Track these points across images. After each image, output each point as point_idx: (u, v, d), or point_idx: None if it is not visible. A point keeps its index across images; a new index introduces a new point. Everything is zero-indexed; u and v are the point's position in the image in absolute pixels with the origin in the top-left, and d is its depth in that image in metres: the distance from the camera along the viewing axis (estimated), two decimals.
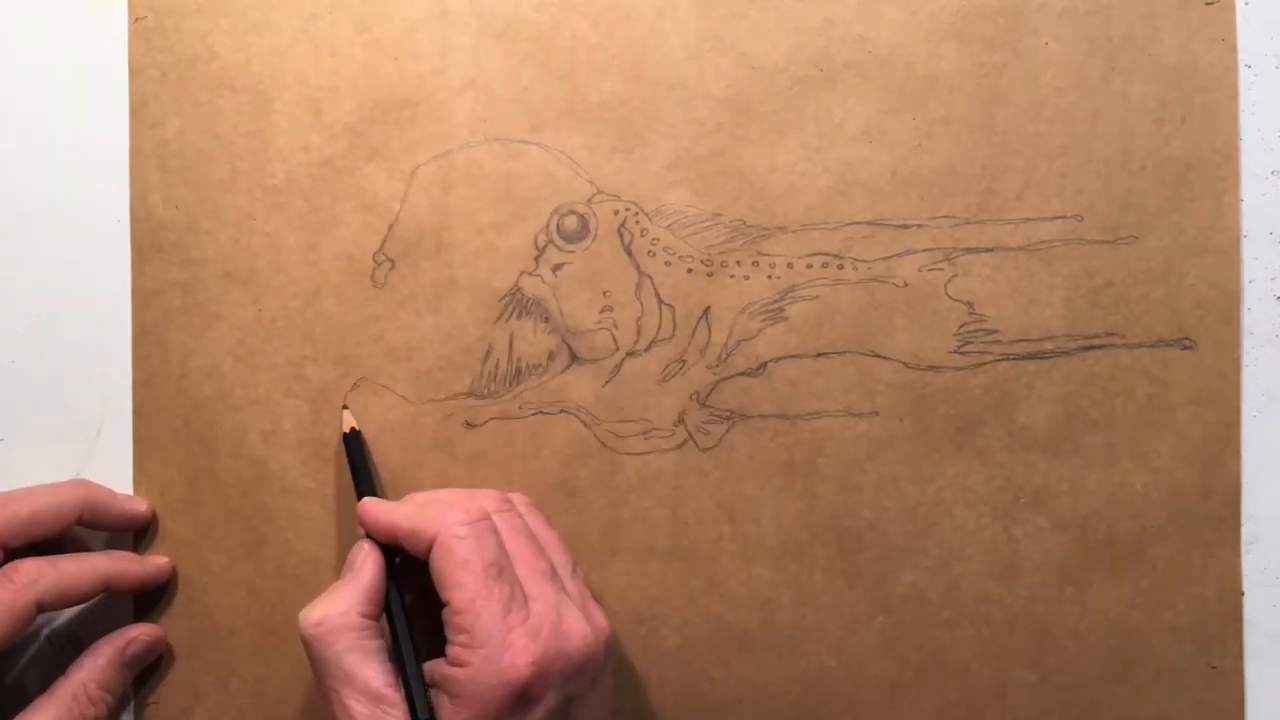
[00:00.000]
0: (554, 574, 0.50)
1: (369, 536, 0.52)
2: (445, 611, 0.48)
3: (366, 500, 0.52)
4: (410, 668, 0.49)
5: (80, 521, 0.53)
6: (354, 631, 0.49)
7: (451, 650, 0.47)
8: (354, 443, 0.54)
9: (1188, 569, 0.55)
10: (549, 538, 0.52)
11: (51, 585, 0.51)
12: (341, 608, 0.49)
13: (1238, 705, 0.55)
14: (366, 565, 0.51)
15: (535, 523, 0.53)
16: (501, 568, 0.48)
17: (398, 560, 0.52)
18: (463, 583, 0.47)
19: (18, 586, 0.50)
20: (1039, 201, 0.55)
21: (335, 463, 0.56)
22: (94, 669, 0.53)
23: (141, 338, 0.56)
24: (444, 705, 0.47)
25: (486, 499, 0.51)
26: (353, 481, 0.54)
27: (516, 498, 0.53)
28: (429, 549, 0.49)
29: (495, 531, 0.49)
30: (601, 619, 0.50)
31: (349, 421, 0.55)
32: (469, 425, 0.55)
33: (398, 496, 0.55)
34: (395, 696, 0.48)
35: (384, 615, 0.51)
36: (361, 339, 0.56)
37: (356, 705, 0.47)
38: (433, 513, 0.50)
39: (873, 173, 0.55)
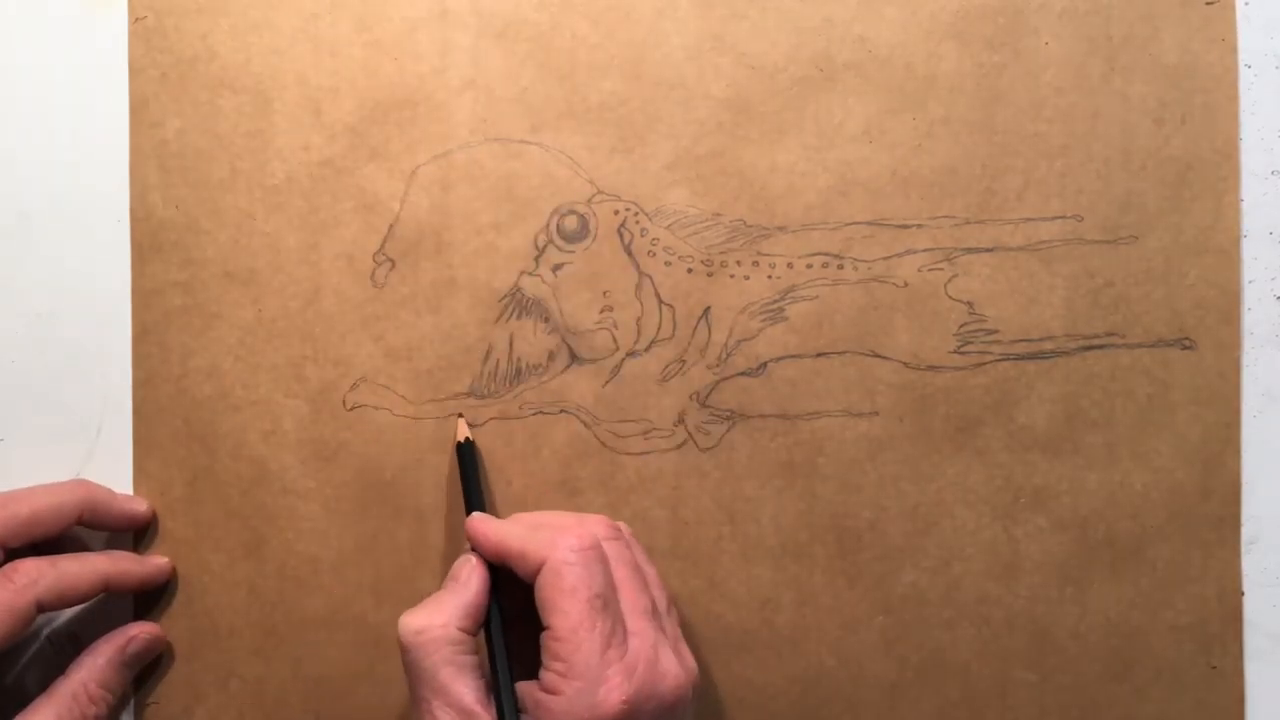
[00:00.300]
0: (654, 611, 0.50)
1: (474, 551, 0.52)
2: (544, 636, 0.48)
3: (476, 515, 0.52)
4: (505, 689, 0.49)
5: (80, 521, 0.53)
6: (452, 645, 0.48)
7: (546, 676, 0.47)
8: (467, 453, 0.54)
9: (1188, 569, 0.55)
10: (650, 572, 0.52)
11: (52, 585, 0.51)
12: (443, 620, 0.49)
13: (1238, 705, 0.55)
14: (472, 580, 0.51)
15: (639, 555, 0.52)
16: (607, 600, 0.48)
17: (498, 576, 0.52)
18: (568, 610, 0.47)
19: (18, 586, 0.50)
20: (1039, 201, 0.55)
21: (336, 463, 0.56)
22: (94, 668, 0.53)
23: (141, 338, 0.56)
24: None
25: (597, 525, 0.51)
26: (463, 493, 0.54)
27: (623, 527, 0.53)
28: (537, 571, 0.49)
29: (604, 561, 0.49)
30: (691, 661, 0.50)
31: (463, 431, 0.55)
32: (469, 425, 0.55)
33: (398, 497, 0.55)
34: (485, 715, 0.47)
35: (482, 631, 0.50)
36: (361, 339, 0.56)
37: (446, 718, 0.47)
38: (544, 536, 0.49)
39: (873, 173, 0.55)
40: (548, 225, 0.55)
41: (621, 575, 0.50)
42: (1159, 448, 0.55)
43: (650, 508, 0.56)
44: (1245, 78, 0.55)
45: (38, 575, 0.50)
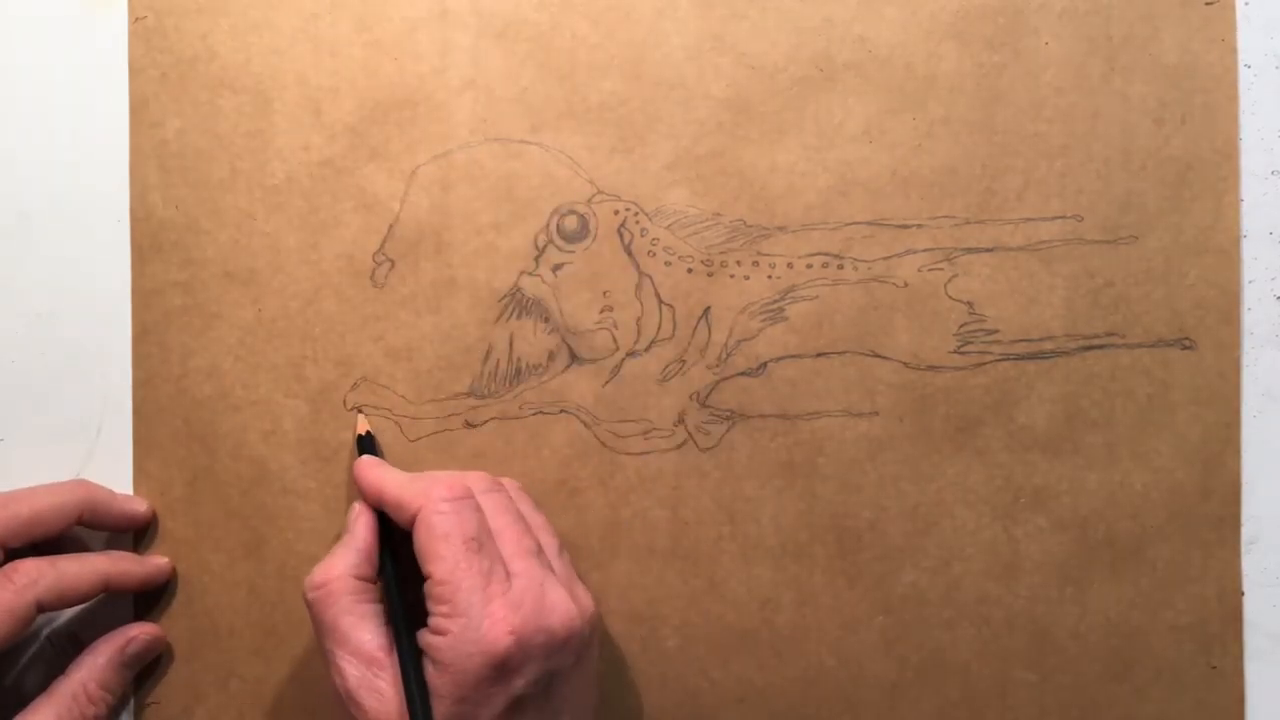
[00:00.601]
0: (539, 552, 0.50)
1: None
2: (426, 584, 0.48)
3: (365, 458, 0.53)
4: (400, 626, 0.49)
5: (80, 521, 0.53)
6: (350, 595, 0.49)
7: (433, 620, 0.48)
8: (367, 445, 0.55)
9: (1188, 569, 0.55)
10: (537, 520, 0.53)
11: (51, 585, 0.51)
12: (338, 571, 0.50)
13: (1238, 705, 0.55)
14: (359, 526, 0.52)
15: (524, 506, 0.53)
16: (482, 543, 0.49)
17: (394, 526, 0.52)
18: (442, 555, 0.48)
19: (17, 587, 0.50)
20: (1039, 201, 0.55)
21: (336, 463, 0.56)
22: (94, 668, 0.53)
23: (141, 338, 0.56)
24: (428, 672, 0.47)
25: (474, 479, 0.52)
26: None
27: (507, 482, 0.54)
28: (412, 522, 0.49)
29: (478, 509, 0.50)
30: (587, 599, 0.50)
31: (363, 426, 0.55)
32: (469, 425, 0.55)
33: None
34: (386, 660, 0.48)
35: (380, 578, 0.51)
36: (361, 339, 0.56)
37: (349, 667, 0.48)
38: (418, 486, 0.50)
39: (873, 173, 0.55)
40: (548, 225, 0.55)
41: (501, 523, 0.50)
42: (1159, 448, 0.55)
43: (650, 508, 0.56)
44: (1245, 78, 0.55)
45: (37, 575, 0.50)
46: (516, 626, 0.47)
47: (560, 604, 0.48)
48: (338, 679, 0.48)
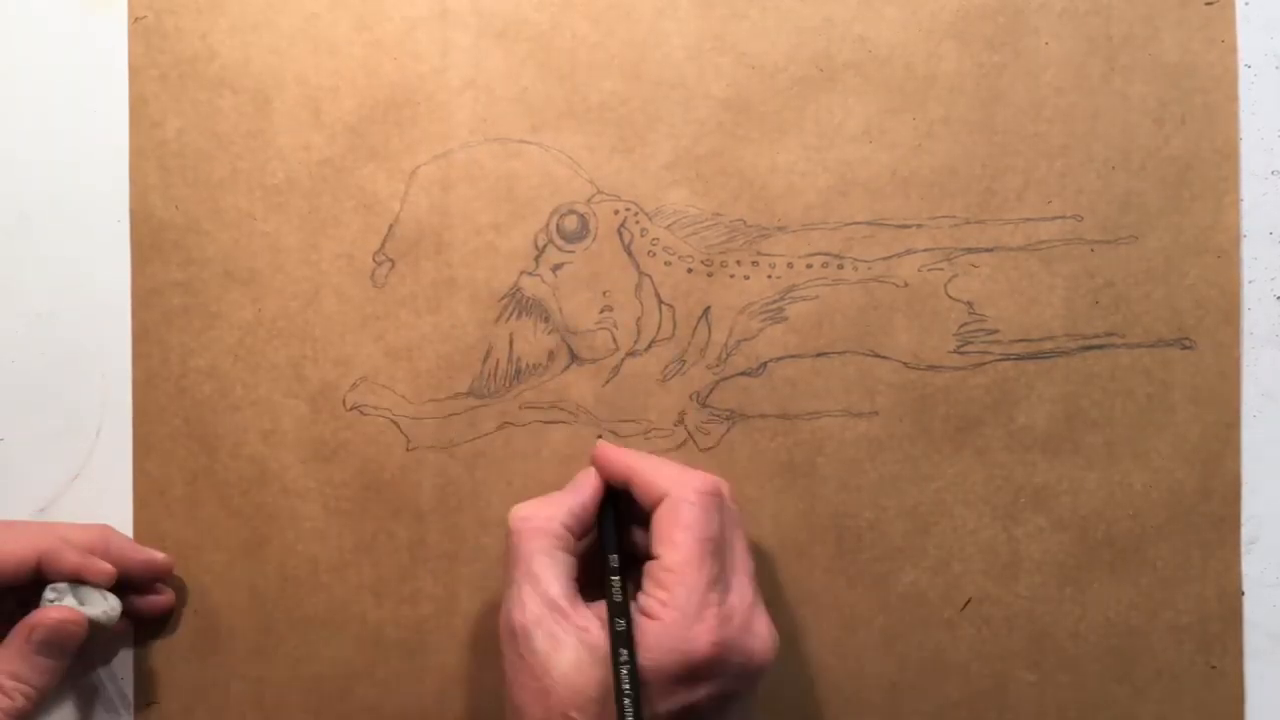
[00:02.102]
0: (754, 575, 0.51)
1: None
2: (651, 565, 0.49)
3: (603, 442, 0.53)
4: (625, 596, 0.49)
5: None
6: (552, 537, 0.50)
7: (646, 601, 0.48)
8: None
9: (1188, 569, 0.55)
10: (746, 543, 0.53)
11: None
12: (549, 513, 0.50)
13: (1238, 705, 0.55)
14: (586, 486, 0.52)
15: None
16: (719, 546, 0.49)
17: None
18: (680, 544, 0.48)
19: None
20: (1039, 201, 0.55)
21: (335, 463, 0.56)
22: (1, 660, 0.51)
23: (141, 337, 0.56)
24: (634, 648, 0.47)
25: (722, 483, 0.51)
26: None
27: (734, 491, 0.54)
28: (657, 503, 0.50)
29: (723, 512, 0.50)
30: (774, 631, 0.50)
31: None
32: (469, 425, 0.55)
33: (398, 497, 0.55)
34: (568, 609, 0.48)
35: (585, 540, 0.52)
36: (361, 339, 0.56)
37: (531, 603, 0.48)
38: (670, 471, 0.51)
39: (873, 173, 0.55)
40: (548, 225, 0.55)
41: (733, 535, 0.50)
42: (1159, 448, 0.55)
43: None
44: (1245, 78, 0.55)
45: None
46: (723, 640, 0.47)
47: (764, 631, 0.49)
48: (517, 612, 0.48)
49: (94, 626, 0.52)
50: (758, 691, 0.50)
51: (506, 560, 0.50)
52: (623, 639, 0.47)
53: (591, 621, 0.48)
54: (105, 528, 0.54)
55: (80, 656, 0.53)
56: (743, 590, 0.49)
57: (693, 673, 0.47)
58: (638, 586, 0.49)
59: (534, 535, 0.50)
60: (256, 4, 0.56)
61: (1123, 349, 0.55)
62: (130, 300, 0.56)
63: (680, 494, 0.49)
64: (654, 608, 0.47)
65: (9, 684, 0.51)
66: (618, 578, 0.49)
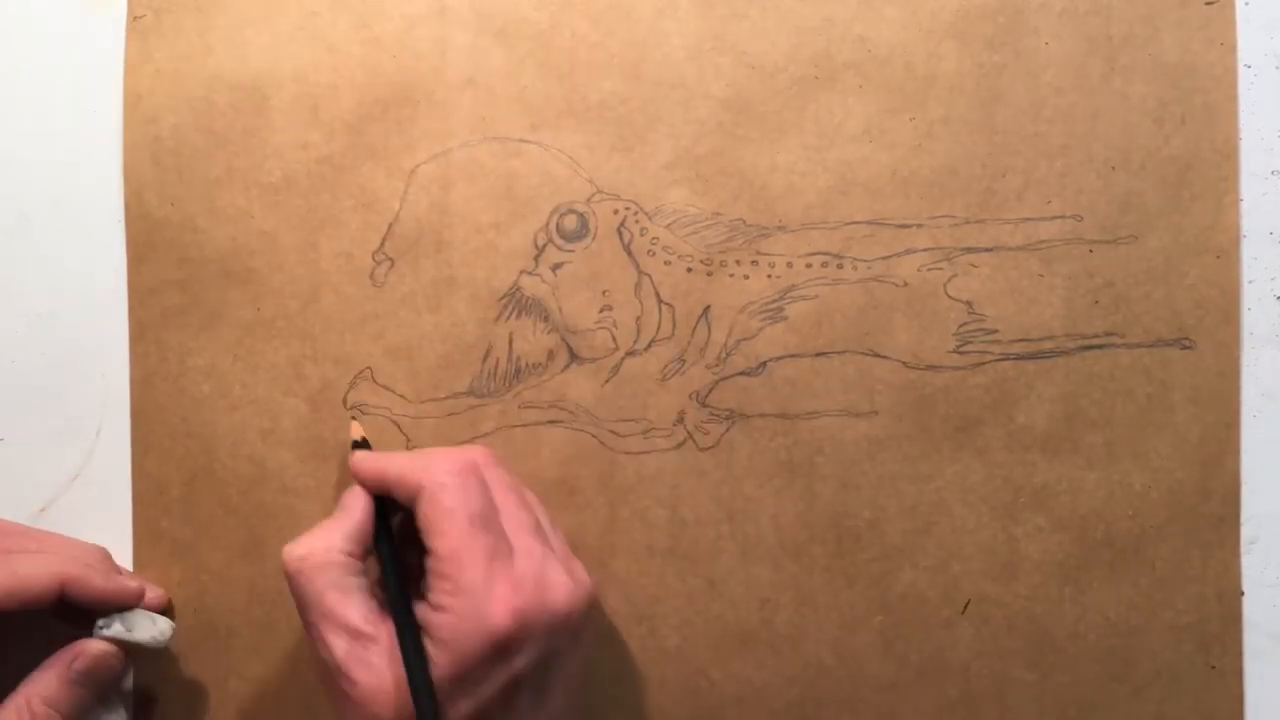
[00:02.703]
0: (539, 529, 0.50)
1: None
2: (428, 559, 0.48)
3: (359, 453, 0.52)
4: (395, 599, 0.49)
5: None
6: (336, 569, 0.49)
7: (433, 596, 0.47)
8: (362, 449, 0.54)
9: (1188, 569, 0.55)
10: (530, 496, 0.53)
11: (1, 583, 0.50)
12: (325, 544, 0.49)
13: (1238, 705, 0.55)
14: (356, 506, 0.51)
15: (517, 480, 0.53)
16: (487, 519, 0.48)
17: (396, 518, 0.52)
18: (447, 531, 0.48)
19: None
20: (1039, 201, 0.55)
21: (335, 462, 0.56)
22: (40, 683, 0.51)
23: (139, 337, 0.56)
24: (424, 649, 0.47)
25: (476, 453, 0.51)
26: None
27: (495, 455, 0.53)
28: (415, 498, 0.49)
29: (483, 485, 0.50)
30: (584, 575, 0.50)
31: (357, 431, 0.55)
32: (469, 424, 0.55)
33: None
34: (374, 632, 0.48)
35: (370, 557, 0.51)
36: (361, 338, 0.56)
37: (336, 640, 0.47)
38: (420, 462, 0.50)
39: (873, 173, 0.55)
40: (547, 224, 0.55)
41: (504, 499, 0.50)
42: (1159, 448, 0.55)
43: (650, 507, 0.56)
44: (1245, 78, 0.55)
45: None
46: (519, 607, 0.47)
47: (562, 583, 0.48)
48: (325, 653, 0.48)
49: (143, 651, 0.53)
50: (587, 635, 0.50)
51: (298, 607, 0.49)
52: (410, 648, 0.47)
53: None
54: (98, 551, 0.54)
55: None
56: (529, 550, 0.48)
57: (500, 649, 0.46)
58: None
59: (316, 573, 0.48)
60: (254, 2, 0.55)
61: (1123, 349, 0.55)
62: (127, 299, 0.56)
63: (433, 481, 0.49)
64: (443, 601, 0.47)
65: (42, 710, 0.51)
66: (395, 588, 0.49)
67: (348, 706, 0.47)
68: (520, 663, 0.47)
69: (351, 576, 0.49)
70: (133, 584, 0.53)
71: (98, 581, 0.52)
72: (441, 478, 0.49)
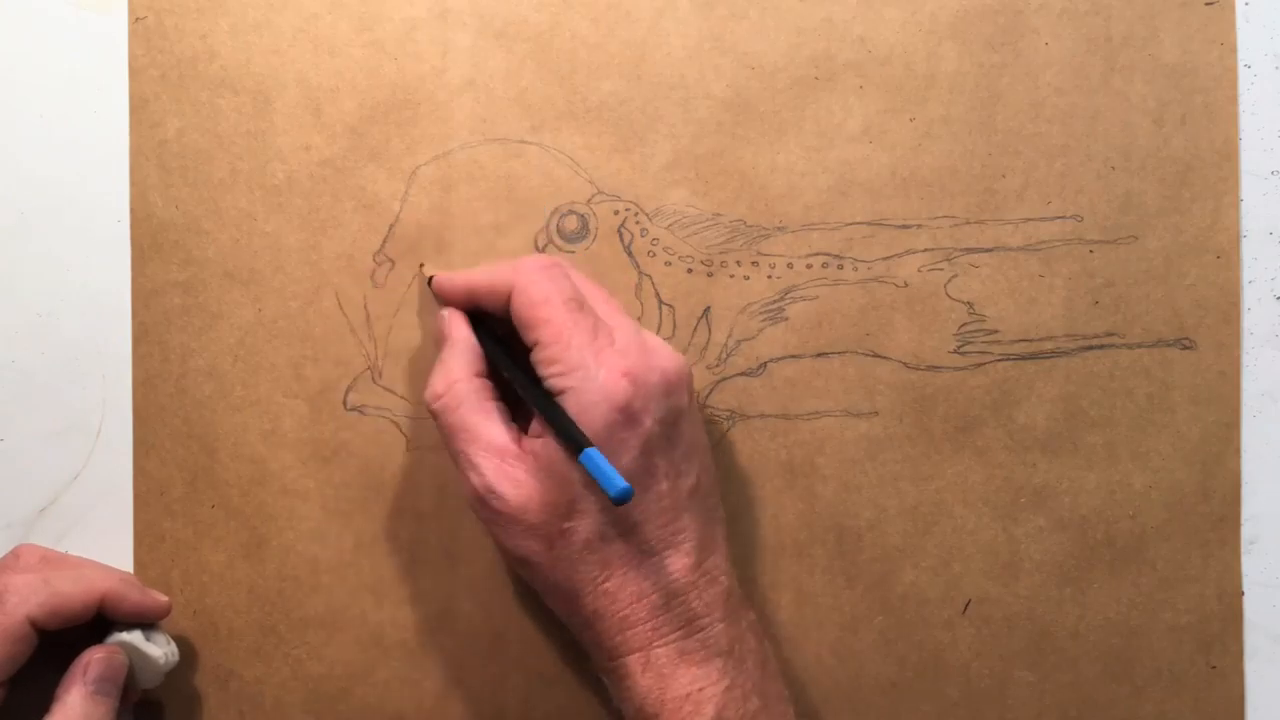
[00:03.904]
0: (626, 313, 0.52)
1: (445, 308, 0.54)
2: (534, 351, 0.49)
3: (440, 274, 0.54)
4: (530, 386, 0.50)
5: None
6: (474, 395, 0.50)
7: (549, 383, 0.48)
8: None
9: (1188, 569, 0.55)
10: (611, 296, 0.54)
11: (44, 603, 0.50)
12: (455, 376, 0.51)
13: (1238, 705, 0.55)
14: (457, 329, 0.52)
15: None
16: (581, 302, 0.50)
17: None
18: (548, 318, 0.49)
19: (8, 607, 0.49)
20: (1039, 201, 0.55)
21: (335, 463, 0.56)
22: (67, 705, 0.50)
23: (141, 338, 0.56)
24: (551, 439, 0.48)
25: (554, 258, 0.53)
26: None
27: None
28: (508, 299, 0.50)
29: (569, 275, 0.51)
30: (674, 350, 0.51)
31: (428, 271, 0.55)
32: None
33: (398, 497, 0.55)
34: (519, 450, 0.49)
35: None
36: (362, 339, 0.56)
37: (484, 461, 0.49)
38: (504, 265, 0.51)
39: (873, 173, 0.55)
40: (548, 225, 0.55)
41: (590, 288, 0.51)
42: (1159, 448, 0.55)
43: None
44: (1245, 78, 0.55)
45: (29, 594, 0.50)
46: (629, 369, 0.48)
47: (661, 348, 0.50)
48: (474, 476, 0.49)
49: (148, 668, 0.53)
50: (696, 401, 0.51)
51: (445, 442, 0.50)
52: (559, 414, 0.48)
53: (542, 443, 0.48)
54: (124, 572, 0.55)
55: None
56: (624, 325, 0.50)
57: (624, 411, 0.47)
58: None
59: (457, 402, 0.50)
60: (257, 4, 0.56)
61: (1123, 349, 0.55)
62: (130, 300, 0.56)
63: (523, 276, 0.50)
64: (558, 383, 0.48)
65: None
66: (513, 368, 0.51)
67: (501, 522, 0.49)
68: (648, 422, 0.48)
69: (489, 400, 0.51)
70: (163, 599, 0.54)
71: (134, 595, 0.53)
72: (531, 273, 0.50)
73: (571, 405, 0.47)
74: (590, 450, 0.46)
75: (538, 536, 0.48)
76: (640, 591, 0.48)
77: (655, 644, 0.48)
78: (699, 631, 0.48)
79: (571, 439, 0.47)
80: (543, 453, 0.48)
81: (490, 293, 0.51)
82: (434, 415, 0.51)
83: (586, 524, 0.48)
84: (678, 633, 0.48)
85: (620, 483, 0.45)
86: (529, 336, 0.49)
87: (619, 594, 0.48)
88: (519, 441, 0.50)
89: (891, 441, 0.55)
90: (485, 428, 0.49)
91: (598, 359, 0.48)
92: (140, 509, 0.56)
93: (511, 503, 0.48)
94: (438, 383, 0.51)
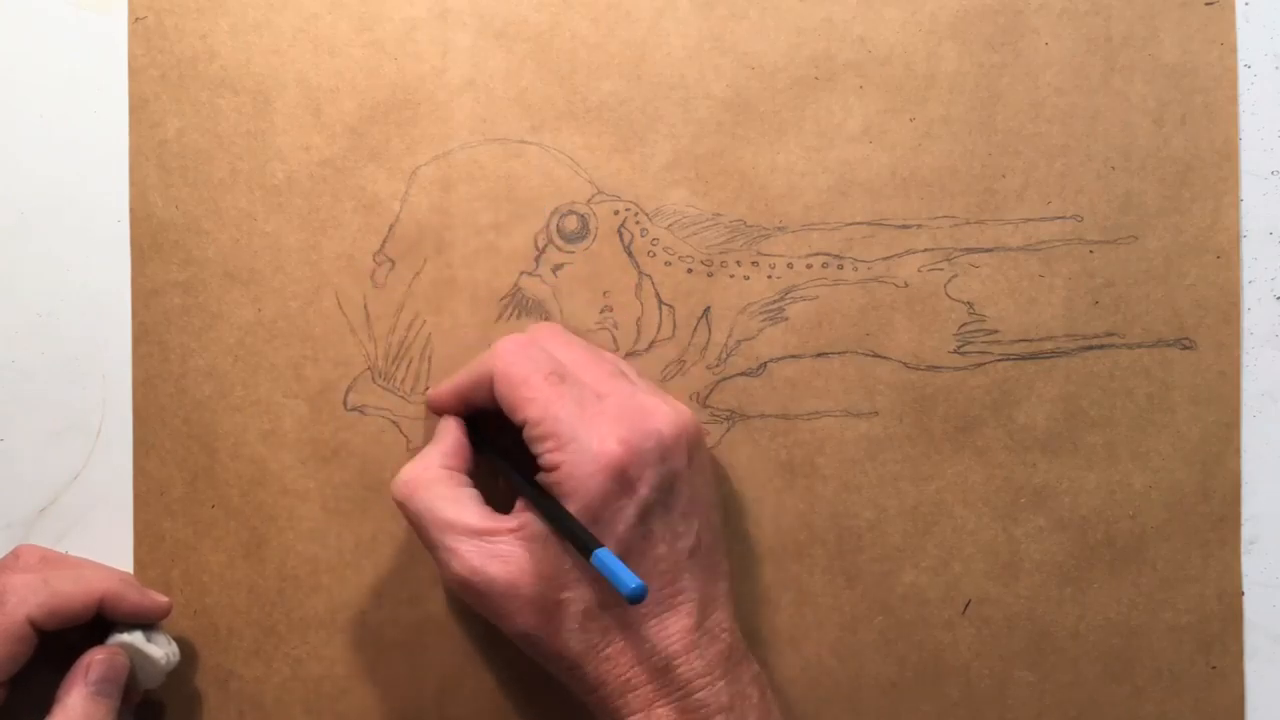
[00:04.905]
0: (620, 373, 0.51)
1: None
2: (525, 432, 0.49)
3: (429, 392, 0.54)
4: (522, 479, 0.50)
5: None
6: (441, 483, 0.50)
7: (542, 460, 0.48)
8: None
9: (1188, 569, 0.55)
10: (606, 352, 0.54)
11: (44, 603, 0.50)
12: (424, 464, 0.51)
13: (1238, 705, 0.55)
14: (445, 428, 0.53)
15: (584, 341, 0.54)
16: (563, 374, 0.49)
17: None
18: (530, 396, 0.48)
19: (8, 608, 0.49)
20: (1039, 201, 0.55)
21: (335, 463, 0.56)
22: (68, 707, 0.50)
23: (141, 338, 0.56)
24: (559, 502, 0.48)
25: (536, 328, 0.53)
26: None
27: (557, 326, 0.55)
28: (492, 387, 0.50)
29: (547, 350, 0.50)
30: (682, 406, 0.50)
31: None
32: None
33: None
34: (495, 526, 0.48)
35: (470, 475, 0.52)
36: (361, 339, 0.56)
37: (462, 546, 0.48)
38: (482, 358, 0.51)
39: (873, 173, 0.55)
40: (548, 225, 0.56)
41: (574, 355, 0.51)
42: (1159, 448, 0.55)
43: None
44: (1245, 78, 0.55)
45: (28, 594, 0.50)
46: (623, 436, 0.47)
47: (658, 408, 0.49)
48: (455, 562, 0.48)
49: (149, 668, 0.53)
50: (704, 455, 0.51)
51: (417, 533, 0.50)
52: (549, 504, 0.48)
53: (523, 518, 0.48)
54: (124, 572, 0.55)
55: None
56: (615, 389, 0.49)
57: (619, 479, 0.47)
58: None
59: (424, 490, 0.50)
60: (256, 4, 0.56)
61: (1123, 349, 0.55)
62: (130, 300, 0.56)
63: (500, 363, 0.50)
64: (551, 459, 0.48)
65: None
66: (507, 468, 0.51)
67: (494, 602, 0.48)
68: (644, 490, 0.47)
69: (458, 487, 0.50)
70: (163, 599, 0.54)
71: (134, 596, 0.53)
72: (506, 356, 0.50)
73: (566, 480, 0.47)
74: (600, 551, 0.45)
75: (535, 610, 0.48)
76: (641, 656, 0.48)
77: (656, 704, 0.47)
78: (700, 690, 0.48)
79: (579, 540, 0.46)
80: (530, 525, 0.48)
81: (475, 387, 0.51)
82: (400, 506, 0.50)
83: (583, 593, 0.48)
84: (679, 692, 0.47)
85: (632, 582, 0.44)
86: (517, 419, 0.49)
87: (620, 659, 0.48)
88: (495, 518, 0.49)
89: (891, 441, 0.55)
90: (454, 512, 0.49)
91: (588, 429, 0.47)
92: (140, 509, 0.56)
93: (501, 581, 0.48)
94: (402, 474, 0.51)
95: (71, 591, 0.51)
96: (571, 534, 0.46)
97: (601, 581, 0.47)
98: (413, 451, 0.55)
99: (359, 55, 0.56)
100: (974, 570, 0.55)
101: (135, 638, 0.52)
